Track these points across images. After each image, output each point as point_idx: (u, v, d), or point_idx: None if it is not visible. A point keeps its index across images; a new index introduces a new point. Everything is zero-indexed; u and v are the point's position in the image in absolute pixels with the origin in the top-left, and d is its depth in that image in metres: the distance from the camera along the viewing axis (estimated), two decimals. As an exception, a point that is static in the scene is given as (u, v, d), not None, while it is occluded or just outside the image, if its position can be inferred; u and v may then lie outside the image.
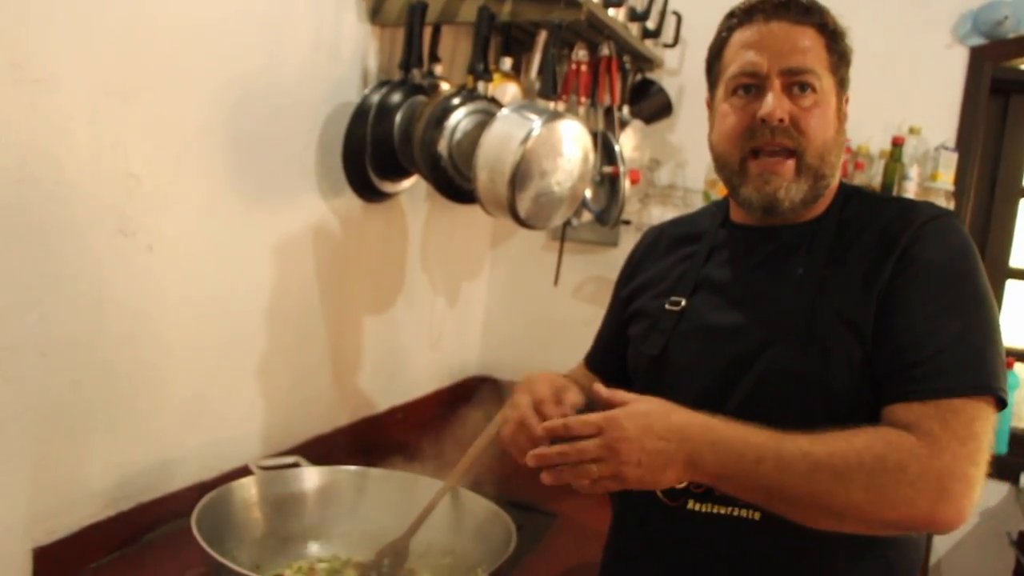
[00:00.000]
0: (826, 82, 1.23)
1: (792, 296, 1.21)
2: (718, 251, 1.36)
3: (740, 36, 1.25)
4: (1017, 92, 2.91)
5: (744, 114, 1.23)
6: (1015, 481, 2.69)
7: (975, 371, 1.08)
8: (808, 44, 1.22)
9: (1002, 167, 2.96)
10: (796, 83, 1.21)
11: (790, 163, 1.22)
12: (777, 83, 1.21)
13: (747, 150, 1.23)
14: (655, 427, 1.07)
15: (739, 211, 1.35)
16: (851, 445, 1.05)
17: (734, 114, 1.24)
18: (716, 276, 1.33)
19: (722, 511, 1.20)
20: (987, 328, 1.12)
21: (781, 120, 1.20)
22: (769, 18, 1.23)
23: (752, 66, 1.22)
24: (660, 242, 1.48)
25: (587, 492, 1.11)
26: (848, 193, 1.31)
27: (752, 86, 1.23)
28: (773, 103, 1.20)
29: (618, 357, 1.48)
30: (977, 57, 2.62)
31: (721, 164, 1.29)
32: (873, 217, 1.24)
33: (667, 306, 1.34)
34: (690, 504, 1.23)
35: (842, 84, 1.26)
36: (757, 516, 1.18)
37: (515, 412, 1.29)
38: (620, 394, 1.12)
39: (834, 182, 1.28)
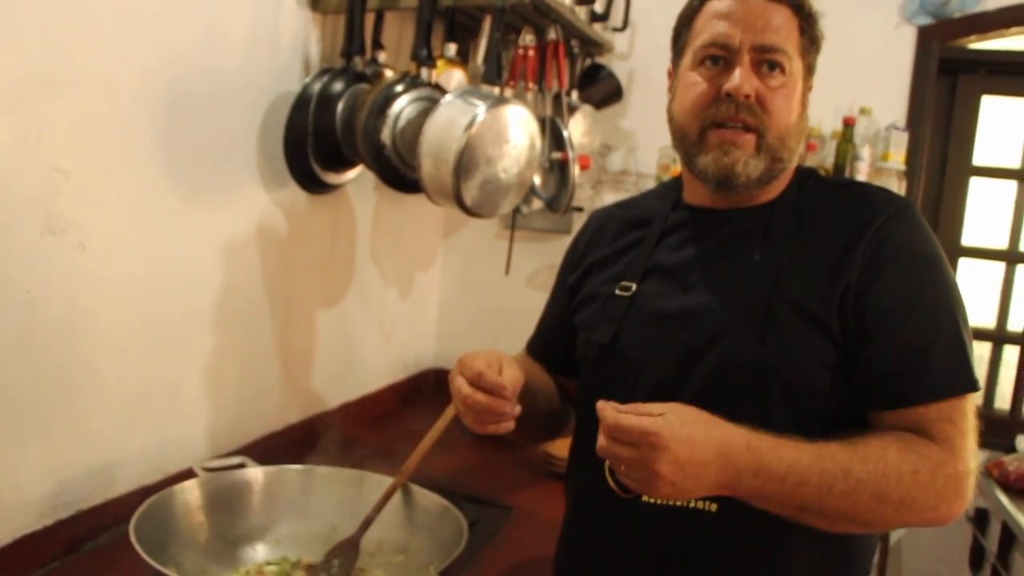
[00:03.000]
0: (796, 65, 1.22)
1: (748, 282, 1.19)
2: (670, 234, 1.33)
3: (714, 5, 1.23)
4: (964, 71, 2.92)
5: (710, 86, 1.21)
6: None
7: (967, 368, 1.13)
8: (782, 23, 1.20)
9: (952, 146, 2.98)
10: (766, 61, 1.19)
11: (751, 137, 1.20)
12: (747, 58, 1.19)
13: (708, 122, 1.21)
14: (698, 448, 1.01)
15: (693, 191, 1.33)
16: (887, 459, 1.06)
17: (700, 84, 1.22)
18: (668, 260, 1.30)
19: (678, 503, 1.18)
20: (965, 321, 1.16)
21: (747, 96, 1.18)
22: None
23: (724, 38, 1.20)
24: (607, 226, 1.45)
25: None
26: (803, 176, 1.30)
27: (721, 58, 1.21)
28: (741, 78, 1.18)
29: (562, 345, 1.45)
30: (925, 37, 2.63)
31: (680, 134, 1.27)
32: (831, 204, 1.24)
33: (617, 291, 1.31)
34: (644, 497, 1.19)
35: (809, 70, 1.25)
36: (714, 508, 1.16)
37: (458, 397, 1.26)
38: (644, 407, 1.05)
39: (790, 167, 1.27)
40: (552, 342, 1.50)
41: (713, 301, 1.22)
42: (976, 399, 1.13)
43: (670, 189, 1.41)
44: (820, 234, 1.20)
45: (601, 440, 1.04)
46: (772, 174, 1.23)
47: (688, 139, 1.25)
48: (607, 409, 1.04)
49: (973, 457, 1.10)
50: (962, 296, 1.18)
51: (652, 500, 1.19)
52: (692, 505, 1.17)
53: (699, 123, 1.22)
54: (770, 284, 1.18)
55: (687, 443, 1.00)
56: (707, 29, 1.22)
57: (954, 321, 1.14)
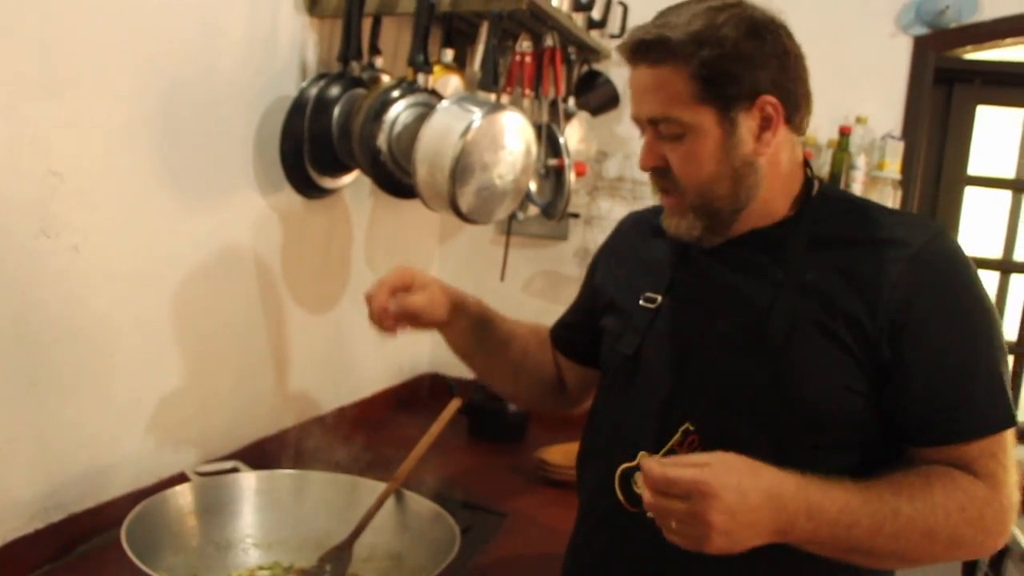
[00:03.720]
0: (696, 118, 1.15)
1: (768, 302, 1.17)
2: (695, 248, 1.30)
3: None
4: (960, 81, 2.94)
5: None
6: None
7: (1008, 402, 1.12)
8: (662, 84, 1.16)
9: (947, 155, 2.99)
10: (658, 131, 1.19)
11: (675, 200, 1.22)
12: (649, 130, 1.20)
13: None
14: (749, 494, 0.99)
15: None
16: (934, 498, 1.06)
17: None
18: (692, 274, 1.29)
19: None
20: (1003, 351, 1.15)
21: (651, 168, 1.21)
22: (634, 63, 1.19)
23: (633, 113, 1.22)
24: (638, 231, 1.45)
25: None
26: (824, 193, 1.26)
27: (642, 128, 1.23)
28: (641, 153, 1.21)
29: (581, 339, 1.50)
30: (920, 47, 2.63)
31: None
32: (861, 227, 1.20)
33: (641, 302, 1.31)
34: None
35: (728, 106, 1.15)
36: None
37: (368, 295, 1.43)
38: (688, 459, 1.04)
39: (749, 202, 1.21)
40: (574, 330, 1.56)
41: (732, 318, 1.21)
42: (1014, 432, 1.13)
43: None
44: (848, 257, 1.17)
45: (647, 496, 1.01)
46: (723, 219, 1.22)
47: None
48: (651, 463, 1.01)
49: (1016, 491, 1.11)
50: (999, 323, 1.16)
51: None
52: None
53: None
54: (791, 304, 1.16)
55: (737, 490, 0.98)
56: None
57: (993, 353, 1.13)
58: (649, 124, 1.19)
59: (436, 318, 1.44)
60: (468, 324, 1.50)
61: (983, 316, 1.14)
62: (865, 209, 1.24)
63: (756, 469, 1.02)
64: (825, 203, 1.24)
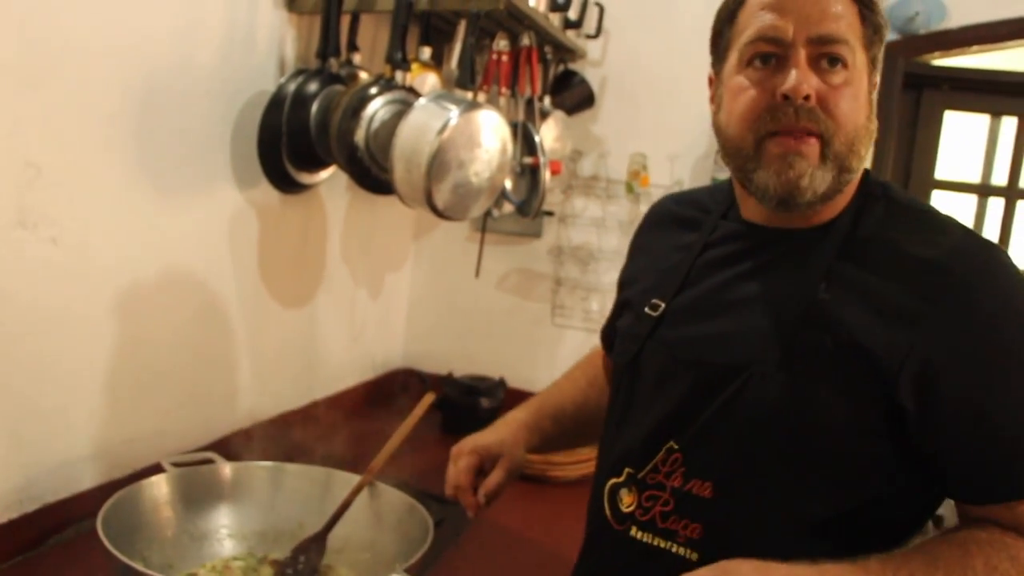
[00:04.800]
0: (859, 58, 1.05)
1: (783, 314, 1.07)
2: (713, 247, 1.21)
3: None
4: (928, 86, 2.99)
5: (762, 89, 1.05)
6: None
7: None
8: (841, 10, 1.03)
9: (915, 159, 3.04)
10: (825, 55, 1.03)
11: (815, 143, 1.03)
12: (803, 53, 1.02)
13: (764, 131, 1.04)
14: None
15: (747, 204, 1.18)
16: (974, 569, 0.95)
17: (750, 89, 1.06)
18: (704, 278, 1.19)
19: (662, 544, 1.11)
20: None
21: (807, 97, 1.01)
22: None
23: (774, 31, 1.03)
24: (661, 222, 1.35)
25: None
26: (869, 193, 1.13)
27: (772, 56, 1.04)
28: (798, 77, 1.01)
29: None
30: (890, 52, 2.66)
31: (733, 149, 1.10)
32: (905, 241, 1.06)
33: (647, 309, 1.21)
34: (633, 530, 1.14)
35: (874, 63, 1.08)
36: (695, 557, 1.08)
37: (448, 489, 1.37)
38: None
39: (857, 177, 1.10)
40: (613, 328, 1.40)
41: (737, 332, 1.10)
42: None
43: (730, 191, 1.24)
44: (877, 275, 1.04)
45: None
46: (840, 187, 1.06)
47: (742, 153, 1.08)
48: None
49: None
50: None
51: (639, 536, 1.14)
52: (674, 550, 1.10)
53: (753, 135, 1.06)
54: (804, 321, 1.05)
55: None
56: (753, 23, 1.05)
57: None
58: (810, 45, 1.03)
59: (520, 470, 1.40)
60: (548, 436, 1.45)
61: None
62: (912, 218, 1.11)
63: (767, 571, 0.95)
64: (872, 205, 1.11)
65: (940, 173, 3.06)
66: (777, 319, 1.07)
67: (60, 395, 1.60)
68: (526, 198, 2.50)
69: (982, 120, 3.17)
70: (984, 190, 3.19)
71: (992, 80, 2.98)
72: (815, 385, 1.03)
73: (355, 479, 1.51)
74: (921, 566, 0.96)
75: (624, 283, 1.37)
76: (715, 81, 1.17)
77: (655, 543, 1.12)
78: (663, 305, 1.20)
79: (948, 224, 1.09)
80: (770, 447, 1.05)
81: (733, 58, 1.10)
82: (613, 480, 1.19)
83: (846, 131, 1.04)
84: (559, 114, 2.65)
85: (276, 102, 1.96)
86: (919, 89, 2.97)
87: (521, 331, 2.92)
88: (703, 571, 0.97)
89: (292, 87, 1.96)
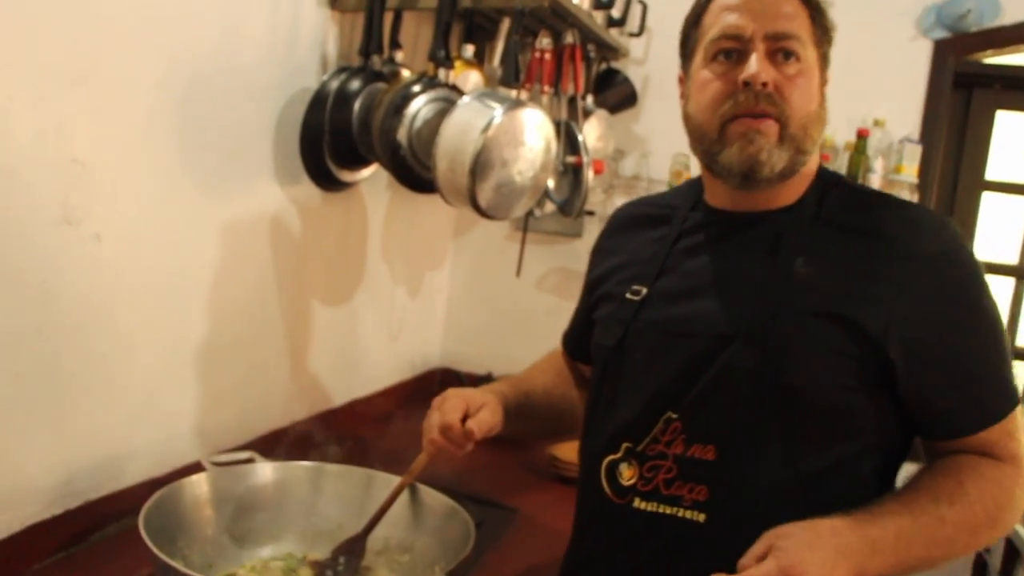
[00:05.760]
0: (810, 53, 1.18)
1: (762, 289, 1.17)
2: (687, 235, 1.30)
3: (721, 1, 1.20)
4: (979, 85, 2.93)
5: (725, 80, 1.17)
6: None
7: (1013, 381, 1.15)
8: (793, 11, 1.17)
9: (964, 160, 2.98)
10: (780, 49, 1.16)
11: (773, 124, 1.16)
12: (761, 47, 1.15)
13: (728, 116, 1.17)
14: (829, 566, 1.00)
15: (713, 192, 1.29)
16: (968, 493, 1.09)
17: (714, 81, 1.18)
18: (682, 263, 1.28)
19: (667, 511, 1.17)
20: (1003, 330, 1.17)
21: (765, 84, 1.14)
22: None
23: (735, 28, 1.16)
24: (628, 224, 1.44)
25: None
26: (827, 180, 1.26)
27: (734, 51, 1.17)
28: (757, 65, 1.14)
29: (587, 339, 1.45)
30: (940, 50, 2.62)
31: (699, 134, 1.22)
32: (864, 216, 1.19)
33: (628, 295, 1.30)
34: (636, 502, 1.20)
35: (824, 60, 1.22)
36: (702, 518, 1.15)
37: (425, 431, 1.35)
38: (748, 558, 1.02)
39: (812, 162, 1.23)
40: (580, 335, 1.51)
41: (722, 307, 1.19)
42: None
43: (692, 187, 1.37)
44: (850, 248, 1.16)
45: None
46: (795, 167, 1.18)
47: (708, 137, 1.20)
48: None
49: None
50: (996, 306, 1.18)
51: (642, 506, 1.19)
52: (680, 514, 1.16)
53: (718, 119, 1.18)
54: (786, 292, 1.15)
55: (821, 564, 0.99)
56: (716, 23, 1.19)
57: (997, 337, 1.15)
58: (767, 40, 1.15)
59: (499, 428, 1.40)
60: (515, 415, 1.44)
61: (987, 303, 1.16)
62: (870, 198, 1.25)
63: (817, 533, 1.02)
64: (830, 189, 1.24)
65: (991, 174, 2.99)
66: (760, 292, 1.16)
67: (101, 392, 1.61)
68: (568, 197, 2.48)
69: (1035, 120, 3.09)
70: (1036, 192, 3.12)
71: (1046, 79, 2.91)
72: (801, 349, 1.12)
73: (395, 480, 1.49)
74: (926, 496, 1.09)
75: (596, 281, 1.42)
76: (684, 79, 1.30)
77: (660, 510, 1.18)
78: (645, 290, 1.28)
79: (905, 202, 1.26)
80: (765, 408, 1.13)
81: (699, 55, 1.22)
82: (611, 457, 1.24)
83: (800, 115, 1.16)
84: (602, 113, 2.64)
85: (319, 100, 1.96)
86: (970, 88, 2.92)
87: (560, 331, 2.88)
88: (758, 545, 1.02)
89: (335, 85, 1.96)
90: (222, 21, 1.74)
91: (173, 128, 1.66)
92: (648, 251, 1.33)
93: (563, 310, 2.90)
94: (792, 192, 1.23)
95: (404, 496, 1.48)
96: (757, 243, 1.22)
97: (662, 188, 2.72)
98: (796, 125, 1.16)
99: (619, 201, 2.79)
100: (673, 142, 2.70)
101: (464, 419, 1.33)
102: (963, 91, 2.91)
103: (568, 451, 2.20)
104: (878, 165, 2.57)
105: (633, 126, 2.81)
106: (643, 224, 1.40)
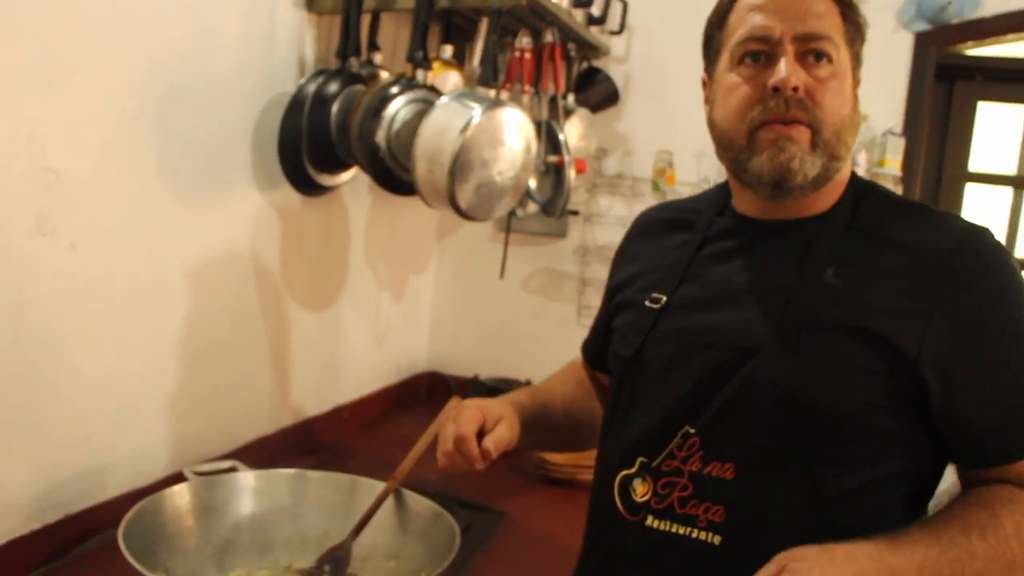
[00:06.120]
0: (843, 54, 1.12)
1: (789, 300, 1.10)
2: (712, 242, 1.24)
3: (747, 0, 1.14)
4: (961, 77, 2.93)
5: (753, 84, 1.11)
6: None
7: None
8: (823, 9, 1.11)
9: (948, 152, 2.98)
10: (811, 51, 1.10)
11: (805, 131, 1.09)
12: (791, 49, 1.09)
13: (756, 122, 1.11)
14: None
15: (741, 199, 1.23)
16: (1005, 529, 1.01)
17: (742, 85, 1.12)
18: (705, 271, 1.22)
19: (681, 531, 1.11)
20: None
21: (795, 89, 1.08)
22: None
23: (763, 30, 1.10)
24: (651, 228, 1.39)
25: None
26: (861, 188, 1.19)
27: (761, 53, 1.11)
28: (787, 69, 1.08)
29: (607, 349, 1.38)
30: (922, 42, 2.62)
31: (726, 142, 1.16)
32: (902, 228, 1.12)
33: (647, 303, 1.23)
34: (649, 520, 1.14)
35: (857, 60, 1.16)
36: (717, 540, 1.09)
37: (441, 442, 1.27)
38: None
39: (845, 170, 1.17)
40: (599, 344, 1.43)
41: (746, 318, 1.13)
42: None
43: (719, 192, 1.31)
44: (883, 259, 1.10)
45: None
46: (828, 175, 1.12)
47: (736, 144, 1.14)
48: None
49: None
50: None
51: (655, 524, 1.13)
52: (694, 535, 1.10)
53: (746, 125, 1.12)
54: (813, 304, 1.09)
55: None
56: (743, 24, 1.13)
57: None
58: (797, 41, 1.09)
59: (515, 443, 1.33)
60: (532, 426, 1.38)
61: None
62: (907, 209, 1.18)
63: (833, 557, 0.97)
64: (865, 198, 1.18)
65: (974, 165, 2.99)
66: (787, 303, 1.10)
67: (80, 403, 1.59)
68: (551, 197, 2.46)
69: (1017, 111, 3.09)
70: (1019, 182, 3.11)
71: (1027, 70, 2.91)
72: (828, 364, 1.06)
73: (380, 486, 1.48)
74: (957, 527, 1.01)
75: (616, 288, 1.38)
76: (708, 83, 1.23)
77: (673, 530, 1.12)
78: (664, 298, 1.22)
79: (943, 213, 1.17)
80: (788, 426, 1.07)
81: (725, 58, 1.16)
82: (624, 472, 1.18)
83: (833, 121, 1.10)
84: (583, 112, 2.62)
85: (296, 103, 1.94)
86: (951, 80, 2.91)
87: (547, 332, 2.89)
88: (771, 565, 0.98)
89: (312, 88, 1.94)
90: (197, 25, 1.72)
91: (149, 135, 1.65)
92: (670, 257, 1.27)
93: (549, 311, 2.92)
94: (824, 200, 1.16)
95: (389, 502, 1.47)
96: (786, 252, 1.16)
97: (646, 186, 2.72)
98: (829, 131, 1.10)
99: (603, 200, 2.79)
100: (656, 140, 2.71)
101: (480, 432, 1.26)
102: (945, 83, 2.90)
103: (557, 453, 2.19)
104: (861, 159, 2.57)
105: (615, 124, 2.80)
106: (665, 229, 1.34)
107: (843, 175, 1.17)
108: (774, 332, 1.09)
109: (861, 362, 1.05)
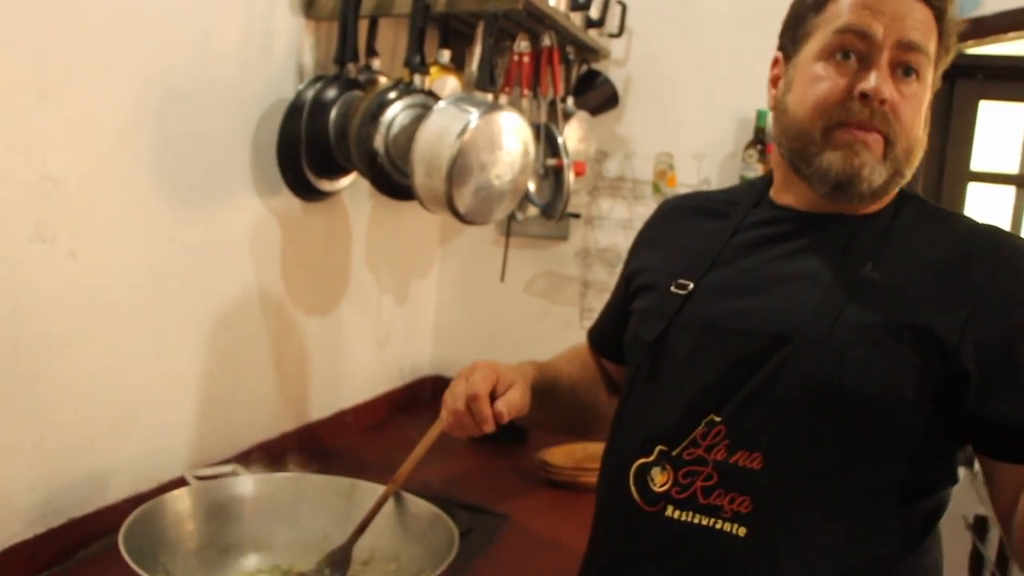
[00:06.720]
0: (930, 73, 1.11)
1: (823, 291, 1.09)
2: (745, 230, 1.23)
3: None
4: (962, 76, 2.93)
5: (840, 84, 1.10)
6: (970, 465, 2.69)
7: None
8: (926, 25, 1.09)
9: (949, 151, 2.98)
10: (904, 64, 1.09)
11: (881, 141, 1.09)
12: (887, 56, 1.08)
13: (835, 121, 1.10)
14: None
15: (791, 189, 1.21)
16: None
17: (829, 80, 1.10)
18: (736, 259, 1.20)
19: (704, 522, 1.08)
20: None
21: (883, 101, 1.07)
22: None
23: (867, 27, 1.08)
24: (678, 213, 1.37)
25: None
26: (904, 194, 1.19)
27: (855, 52, 1.09)
28: (880, 79, 1.07)
29: (619, 335, 1.36)
30: (922, 41, 2.62)
31: (795, 132, 1.14)
32: (938, 230, 1.14)
33: (673, 288, 1.21)
34: (668, 510, 1.11)
35: (936, 83, 1.15)
36: (742, 532, 1.06)
37: (449, 400, 1.25)
38: None
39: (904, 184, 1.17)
40: (610, 332, 1.41)
41: (780, 306, 1.12)
42: None
43: (756, 185, 1.30)
44: (922, 259, 1.10)
45: None
46: (890, 188, 1.13)
47: (807, 136, 1.12)
48: None
49: None
50: None
51: (676, 515, 1.11)
52: (719, 526, 1.07)
53: (823, 122, 1.10)
54: (851, 296, 1.08)
55: None
56: (846, 15, 1.10)
57: None
58: (895, 49, 1.08)
59: (526, 411, 1.30)
60: (539, 400, 1.35)
61: None
62: (946, 215, 1.19)
63: None
64: (907, 202, 1.18)
65: (976, 164, 2.99)
66: (823, 294, 1.09)
67: (82, 408, 1.59)
68: (550, 200, 2.47)
69: (1019, 109, 3.09)
70: (1022, 181, 3.11)
71: (1028, 68, 2.91)
72: (862, 356, 1.05)
73: (380, 489, 1.48)
74: None
75: (636, 272, 1.34)
76: (781, 63, 1.21)
77: (696, 521, 1.09)
78: (691, 284, 1.20)
79: (977, 220, 1.17)
80: (819, 417, 1.06)
81: (814, 45, 1.13)
82: (642, 460, 1.15)
83: (908, 137, 1.10)
84: (583, 115, 2.63)
85: (295, 109, 1.95)
86: (952, 79, 2.91)
87: (550, 335, 2.88)
88: None
89: (311, 94, 1.95)
90: (195, 32, 1.73)
91: (147, 142, 1.65)
92: (700, 245, 1.25)
93: (552, 313, 2.92)
94: (875, 206, 1.17)
95: (389, 505, 1.48)
96: (824, 244, 1.15)
97: (647, 188, 2.72)
98: (902, 146, 1.10)
99: (604, 203, 2.79)
100: (656, 142, 2.71)
101: (491, 394, 1.23)
102: (946, 82, 2.88)
103: (558, 456, 2.19)
104: (862, 158, 2.57)
105: (616, 127, 2.80)
106: (695, 216, 1.32)
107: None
108: (809, 321, 1.08)
109: (896, 355, 1.04)
